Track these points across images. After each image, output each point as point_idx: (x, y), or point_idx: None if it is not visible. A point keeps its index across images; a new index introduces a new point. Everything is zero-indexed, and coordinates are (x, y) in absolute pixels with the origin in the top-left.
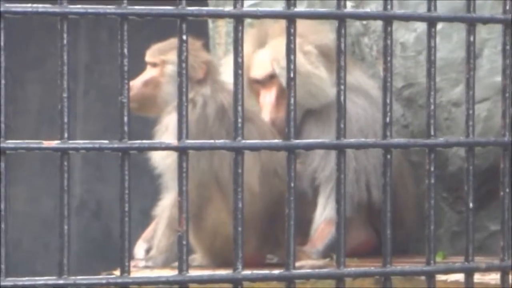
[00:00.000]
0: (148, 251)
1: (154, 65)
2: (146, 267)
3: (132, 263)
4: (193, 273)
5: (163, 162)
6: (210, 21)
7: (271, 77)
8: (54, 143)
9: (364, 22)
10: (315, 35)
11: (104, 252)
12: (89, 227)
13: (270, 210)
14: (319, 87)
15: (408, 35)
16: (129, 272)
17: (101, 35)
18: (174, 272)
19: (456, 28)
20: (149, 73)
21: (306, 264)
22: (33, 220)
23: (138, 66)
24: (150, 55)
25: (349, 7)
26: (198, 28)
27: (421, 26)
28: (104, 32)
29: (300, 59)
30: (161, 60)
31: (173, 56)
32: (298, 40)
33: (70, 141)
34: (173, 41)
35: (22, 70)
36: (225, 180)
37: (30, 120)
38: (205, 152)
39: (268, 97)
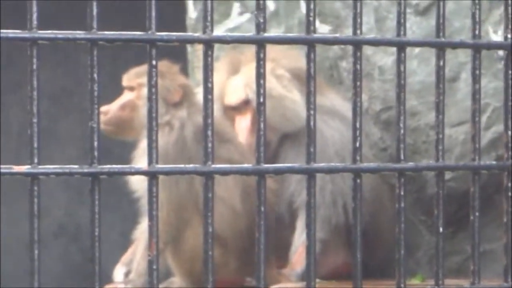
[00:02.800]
0: (127, 274)
1: (131, 88)
2: None
3: (111, 286)
4: None
5: (141, 185)
6: (188, 44)
7: (245, 103)
8: (24, 168)
9: (342, 46)
10: (287, 59)
11: (84, 276)
12: (68, 251)
13: (251, 230)
14: (294, 110)
15: (386, 58)
16: None
17: (81, 58)
18: None
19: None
20: (126, 96)
21: (285, 287)
22: (13, 244)
23: (118, 91)
24: (126, 79)
25: (327, 31)
26: (177, 52)
27: None
28: (84, 55)
29: (273, 83)
30: (137, 83)
31: None
32: (270, 65)
33: (40, 166)
34: None
35: (2, 93)
36: None
37: (11, 144)
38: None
39: (243, 122)
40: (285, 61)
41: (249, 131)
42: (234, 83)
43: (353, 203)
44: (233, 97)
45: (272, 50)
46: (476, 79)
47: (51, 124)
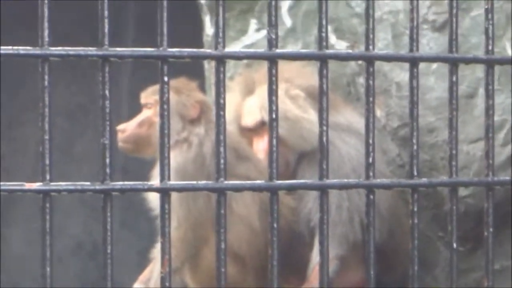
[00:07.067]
0: None
1: (149, 106)
2: None
3: None
4: None
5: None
6: (205, 61)
7: (262, 124)
8: (36, 185)
9: (359, 61)
10: (302, 78)
11: None
12: (86, 268)
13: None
14: (310, 130)
15: (403, 74)
16: None
17: (97, 75)
18: None
19: None
20: (144, 114)
21: None
22: (30, 262)
23: (137, 108)
24: (144, 97)
25: (344, 48)
26: (195, 69)
27: None
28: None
29: (288, 104)
30: (155, 100)
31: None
32: (284, 85)
33: (52, 183)
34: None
35: (19, 110)
36: None
37: (28, 161)
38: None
39: (261, 144)
40: (299, 80)
41: (267, 153)
42: (249, 105)
43: (366, 219)
44: (249, 119)
45: (286, 70)
46: (489, 94)
47: (67, 142)
